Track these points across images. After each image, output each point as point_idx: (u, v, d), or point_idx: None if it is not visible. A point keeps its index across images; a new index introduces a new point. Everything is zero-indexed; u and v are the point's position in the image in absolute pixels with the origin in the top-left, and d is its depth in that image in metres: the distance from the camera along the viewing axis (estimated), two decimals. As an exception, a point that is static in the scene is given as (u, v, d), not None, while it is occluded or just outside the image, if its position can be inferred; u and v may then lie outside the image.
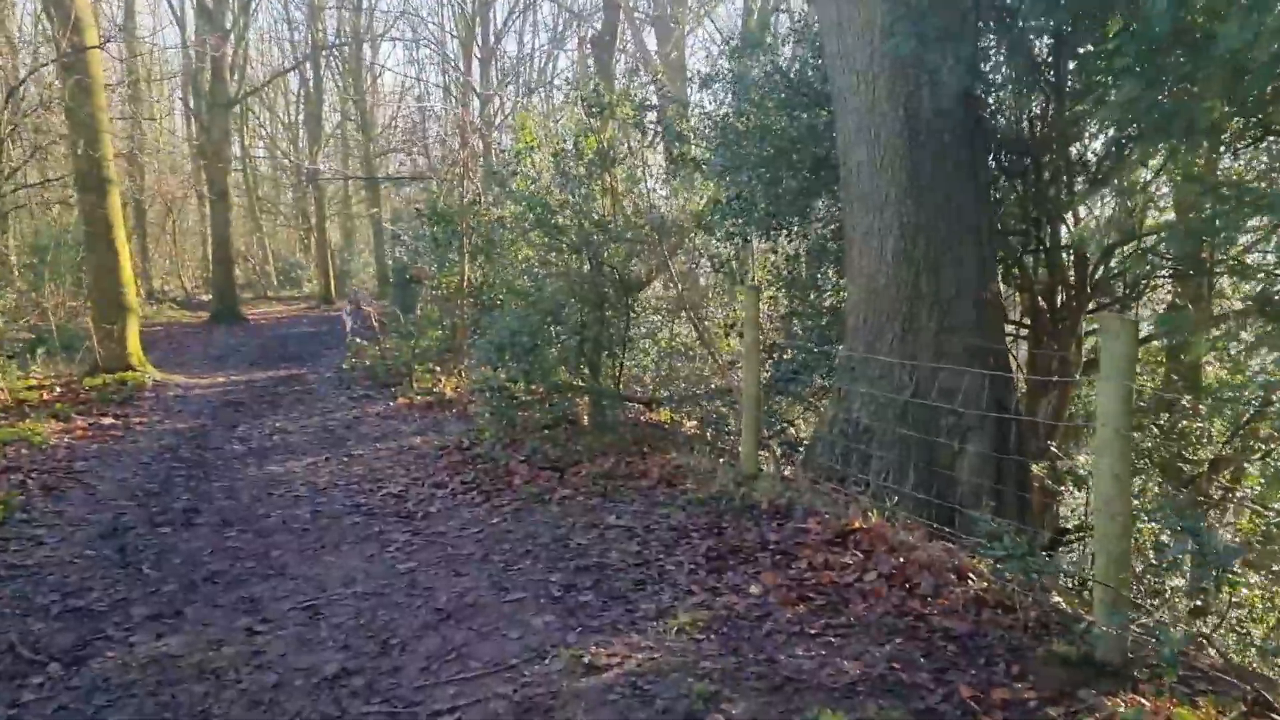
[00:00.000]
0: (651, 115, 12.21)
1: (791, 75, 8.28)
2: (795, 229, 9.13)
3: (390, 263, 26.37)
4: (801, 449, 8.50)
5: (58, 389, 12.95)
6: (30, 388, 13.02)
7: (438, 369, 13.65)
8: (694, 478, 7.42)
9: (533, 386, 9.31)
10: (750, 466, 7.25)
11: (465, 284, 14.19)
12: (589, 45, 18.28)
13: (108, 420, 11.26)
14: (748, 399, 7.28)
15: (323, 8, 32.80)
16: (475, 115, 16.26)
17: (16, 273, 24.01)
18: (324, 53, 33.11)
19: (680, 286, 11.46)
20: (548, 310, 9.34)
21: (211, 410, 12.24)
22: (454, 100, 30.37)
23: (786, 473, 7.72)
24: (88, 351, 14.12)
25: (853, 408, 7.32)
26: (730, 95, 8.54)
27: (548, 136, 13.47)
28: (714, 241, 10.54)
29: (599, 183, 10.15)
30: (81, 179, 13.77)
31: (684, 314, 11.99)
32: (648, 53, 17.84)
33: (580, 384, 10.04)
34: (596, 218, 9.64)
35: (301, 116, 39.48)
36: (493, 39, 22.32)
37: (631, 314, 9.54)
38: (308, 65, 33.90)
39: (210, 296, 27.17)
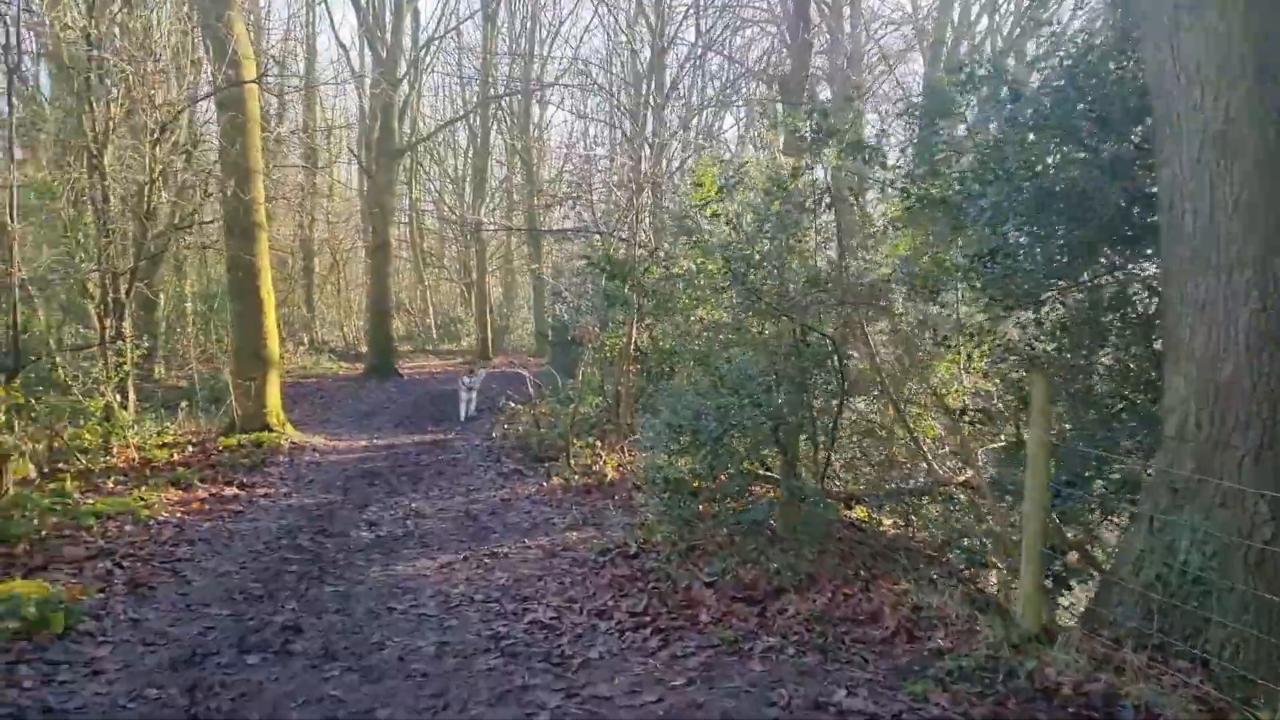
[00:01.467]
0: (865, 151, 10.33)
1: (1072, 95, 6.33)
2: (1056, 295, 7.10)
3: (550, 320, 25.14)
4: (1072, 585, 6.40)
5: (190, 448, 11.88)
6: (164, 445, 11.99)
7: (598, 444, 12.01)
8: (945, 630, 5.44)
9: (716, 480, 7.53)
10: (1031, 621, 5.21)
11: (633, 347, 12.58)
12: (776, 85, 16.68)
13: (230, 491, 10.00)
14: (1031, 523, 5.25)
15: (495, 65, 32.42)
16: (646, 165, 14.74)
17: (190, 320, 23.98)
18: (493, 106, 32.59)
19: (877, 357, 9.51)
20: (737, 386, 7.54)
21: (344, 482, 10.88)
22: (621, 150, 29.30)
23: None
24: (228, 408, 13.09)
25: (1175, 546, 5.23)
26: (995, 118, 6.64)
27: (737, 184, 11.90)
28: (934, 307, 8.59)
29: (808, 233, 8.38)
30: (229, 222, 12.84)
31: (881, 390, 10.03)
32: (849, 89, 16.12)
33: (772, 477, 8.20)
34: (809, 274, 7.83)
35: (468, 172, 39.31)
36: (667, 85, 20.87)
37: (849, 394, 7.65)
38: (475, 118, 33.51)
39: (367, 349, 26.53)
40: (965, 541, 7.34)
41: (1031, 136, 6.72)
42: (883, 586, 6.38)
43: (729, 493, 7.76)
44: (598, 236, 23.84)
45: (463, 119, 33.83)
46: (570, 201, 29.62)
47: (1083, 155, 6.20)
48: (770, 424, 7.43)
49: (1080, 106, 5.95)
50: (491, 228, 32.02)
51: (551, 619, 6.06)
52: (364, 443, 13.84)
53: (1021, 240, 6.44)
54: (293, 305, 30.40)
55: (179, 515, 8.76)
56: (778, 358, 7.94)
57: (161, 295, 21.68)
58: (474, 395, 16.73)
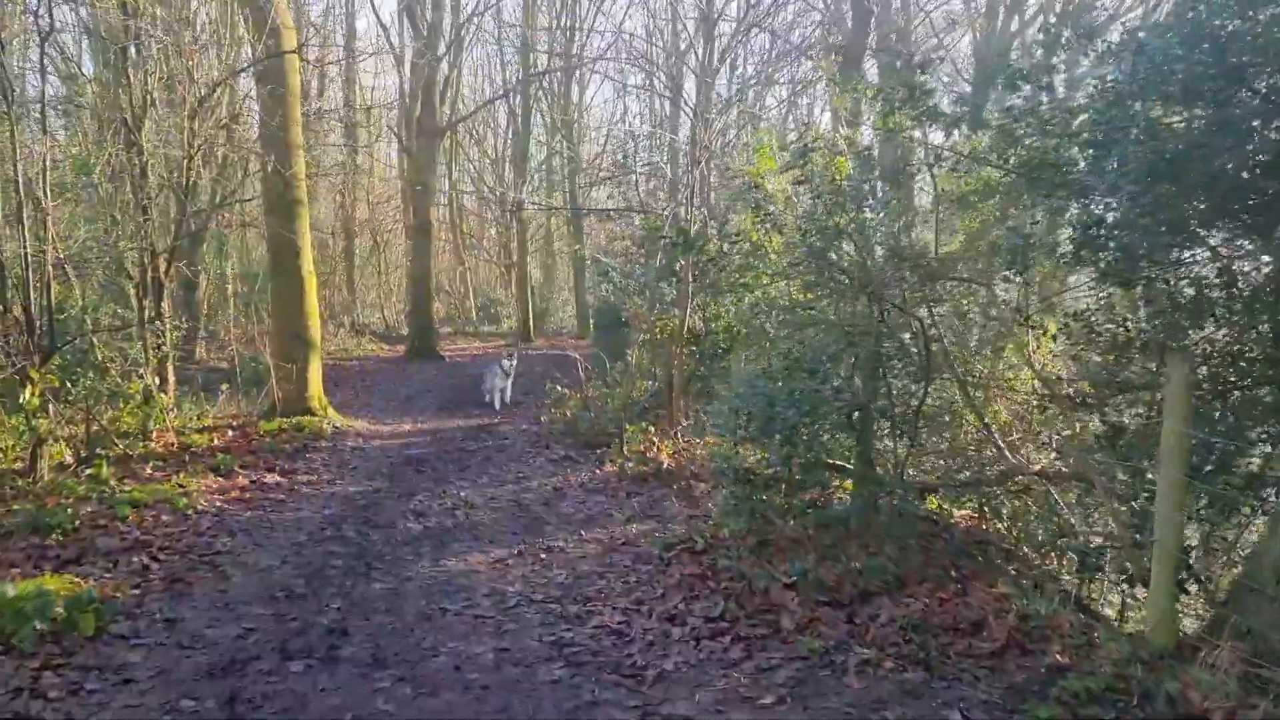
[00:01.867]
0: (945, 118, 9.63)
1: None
2: (1164, 269, 6.46)
3: (593, 302, 24.58)
4: (1189, 590, 5.81)
5: (230, 433, 11.51)
6: (203, 429, 11.63)
7: (651, 429, 11.50)
8: (1060, 643, 4.88)
9: (790, 471, 6.99)
10: (1164, 636, 4.65)
11: (685, 328, 12.04)
12: (837, 55, 15.99)
13: (271, 478, 9.59)
14: (1166, 524, 4.66)
15: (535, 44, 31.88)
16: (703, 135, 14.15)
17: (232, 302, 23.75)
18: (533, 84, 32.06)
19: (944, 339, 8.89)
20: (812, 369, 6.98)
21: (389, 469, 10.45)
22: (668, 125, 28.68)
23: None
24: (269, 391, 12.70)
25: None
26: (1105, 75, 5.98)
27: (814, 151, 11.38)
28: (1015, 283, 7.96)
29: (893, 204, 7.80)
30: (269, 199, 12.42)
31: (950, 373, 9.42)
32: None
33: (843, 467, 7.64)
34: (891, 248, 7.24)
35: (509, 152, 38.86)
36: (716, 58, 20.21)
37: (931, 376, 7.05)
38: (516, 97, 33.03)
39: (409, 331, 26.16)
40: (1072, 542, 6.73)
41: (1143, 99, 6.09)
42: (978, 590, 5.82)
43: (805, 485, 7.24)
44: (642, 215, 23.35)
45: (503, 97, 33.32)
46: (615, 179, 29.19)
47: (1208, 113, 5.57)
48: (846, 410, 6.88)
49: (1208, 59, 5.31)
50: (534, 207, 31.53)
51: (619, 624, 5.57)
52: (408, 427, 13.42)
53: (1133, 209, 5.81)
54: (334, 287, 30.15)
55: (218, 504, 8.36)
56: (855, 338, 7.37)
57: (203, 276, 21.48)
58: (509, 383, 16.02)
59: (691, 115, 13.17)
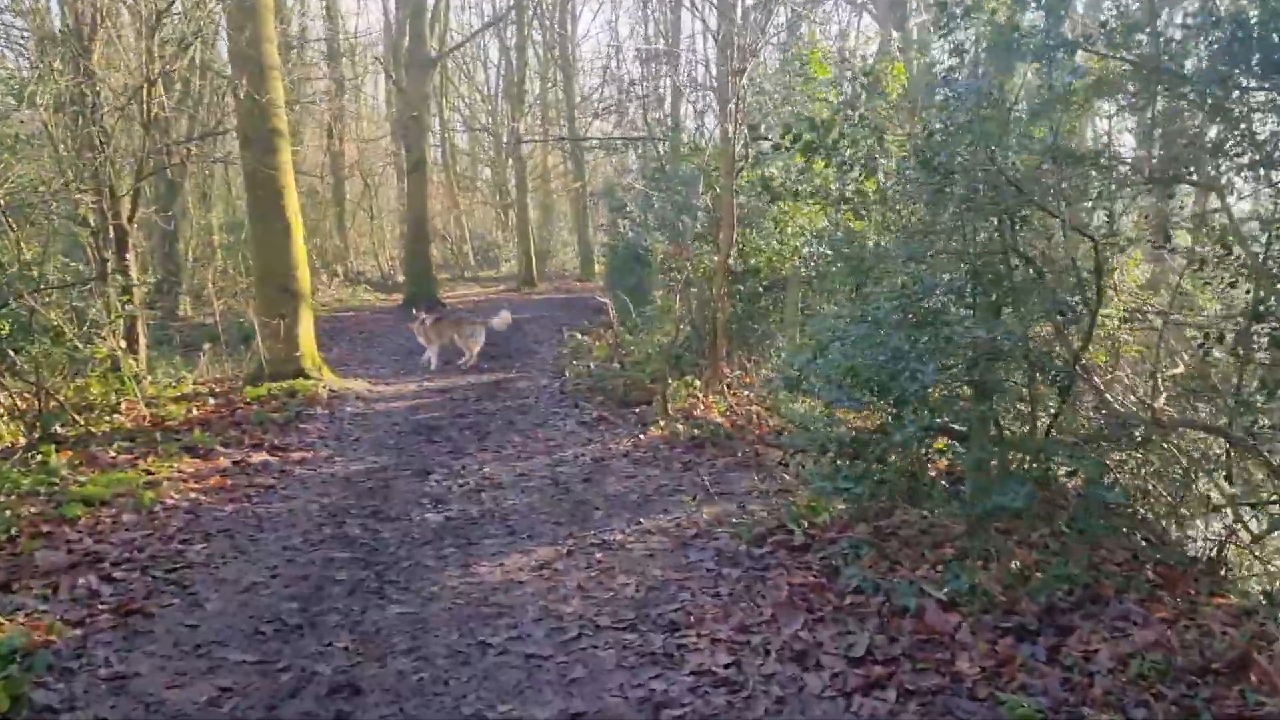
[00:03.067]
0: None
1: None
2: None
3: (604, 241, 22.78)
4: None
5: (211, 401, 10.01)
6: (180, 398, 10.13)
7: (696, 383, 10.00)
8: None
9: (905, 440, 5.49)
10: None
11: (726, 264, 10.48)
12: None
13: (259, 457, 8.10)
14: None
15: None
16: (740, 40, 12.45)
17: (219, 253, 22.13)
18: (527, 11, 30.09)
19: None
20: (934, 312, 5.45)
21: (397, 440, 8.96)
22: (688, 45, 26.78)
23: None
24: (256, 352, 11.16)
25: None
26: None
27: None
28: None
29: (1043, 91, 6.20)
30: (245, 130, 10.79)
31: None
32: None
33: (962, 431, 6.14)
34: (1047, 146, 5.65)
35: (501, 86, 36.93)
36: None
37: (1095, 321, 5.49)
38: (508, 29, 31.11)
39: (405, 278, 24.51)
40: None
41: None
42: (1190, 599, 4.37)
43: (922, 456, 5.76)
44: (649, 144, 21.61)
45: (496, 24, 31.30)
46: (625, 105, 27.32)
47: None
48: (974, 359, 5.35)
49: None
50: (533, 140, 29.68)
51: (727, 667, 4.08)
52: (413, 386, 11.91)
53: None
54: (324, 235, 28.49)
55: (193, 496, 6.87)
56: (980, 270, 5.81)
57: (184, 225, 19.89)
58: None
59: (716, 12, 11.47)
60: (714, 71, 16.33)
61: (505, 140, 30.90)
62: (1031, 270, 5.59)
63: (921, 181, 5.74)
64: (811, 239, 10.70)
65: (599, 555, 5.69)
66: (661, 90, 28.47)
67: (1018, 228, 5.63)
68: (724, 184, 10.52)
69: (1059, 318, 5.30)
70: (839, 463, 5.61)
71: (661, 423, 8.95)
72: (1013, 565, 4.62)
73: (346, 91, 27.45)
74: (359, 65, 29.09)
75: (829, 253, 9.86)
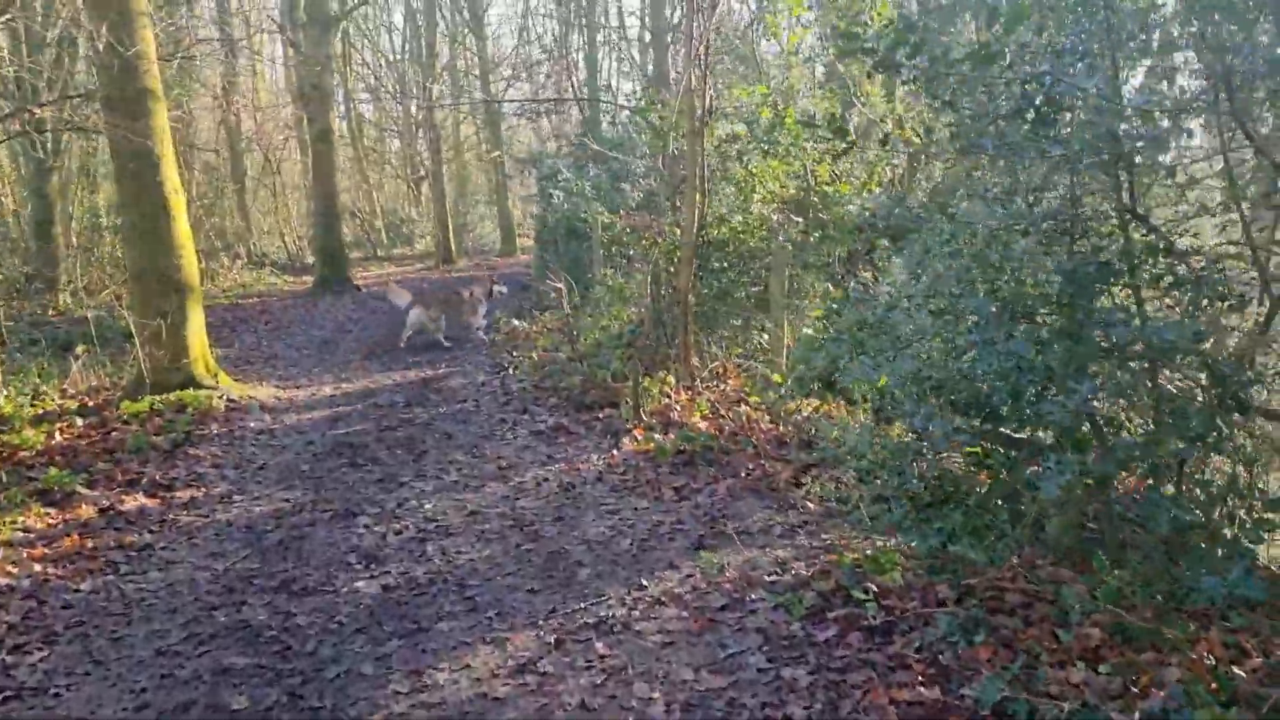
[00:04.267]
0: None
1: None
2: None
3: (533, 213, 20.96)
4: None
5: (80, 421, 8.19)
6: (41, 417, 8.29)
7: (670, 379, 8.47)
8: None
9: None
10: None
11: (697, 239, 8.96)
12: None
13: (134, 501, 6.36)
14: None
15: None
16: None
17: (107, 237, 19.84)
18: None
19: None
20: (1036, 304, 4.01)
21: (312, 466, 7.26)
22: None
23: None
24: (135, 359, 9.30)
25: None
26: None
27: None
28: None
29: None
30: (108, 91, 8.88)
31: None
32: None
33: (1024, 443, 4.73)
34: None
35: (409, 52, 34.71)
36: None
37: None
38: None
39: (315, 259, 22.46)
40: None
41: None
42: None
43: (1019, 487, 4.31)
44: (582, 107, 19.94)
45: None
46: (544, 67, 25.54)
47: None
48: (1133, 375, 3.91)
49: None
50: (448, 105, 27.64)
51: None
52: (329, 389, 10.16)
53: None
54: (224, 214, 26.23)
55: (39, 568, 5.16)
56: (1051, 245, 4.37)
57: (61, 209, 17.69)
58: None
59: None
60: (647, 23, 14.77)
61: (416, 107, 28.82)
62: (1161, 244, 4.17)
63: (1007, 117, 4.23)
64: (860, 194, 9.23)
65: (599, 645, 4.14)
66: (581, 50, 26.82)
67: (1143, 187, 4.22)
68: (689, 142, 8.96)
69: (1219, 304, 3.88)
70: (923, 507, 4.14)
71: (637, 433, 7.41)
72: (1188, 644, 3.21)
73: (240, 55, 25.13)
74: (252, 24, 26.69)
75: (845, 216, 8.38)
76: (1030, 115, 4.06)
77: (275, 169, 29.55)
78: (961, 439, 3.85)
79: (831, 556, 4.79)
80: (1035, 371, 3.52)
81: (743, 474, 6.37)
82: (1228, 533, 3.54)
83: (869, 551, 4.74)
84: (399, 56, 36.12)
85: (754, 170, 9.90)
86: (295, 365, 11.64)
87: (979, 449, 4.16)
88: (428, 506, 6.19)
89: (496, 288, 13.81)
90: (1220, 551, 3.31)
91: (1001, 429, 3.99)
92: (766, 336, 10.02)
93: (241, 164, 27.93)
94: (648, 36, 22.08)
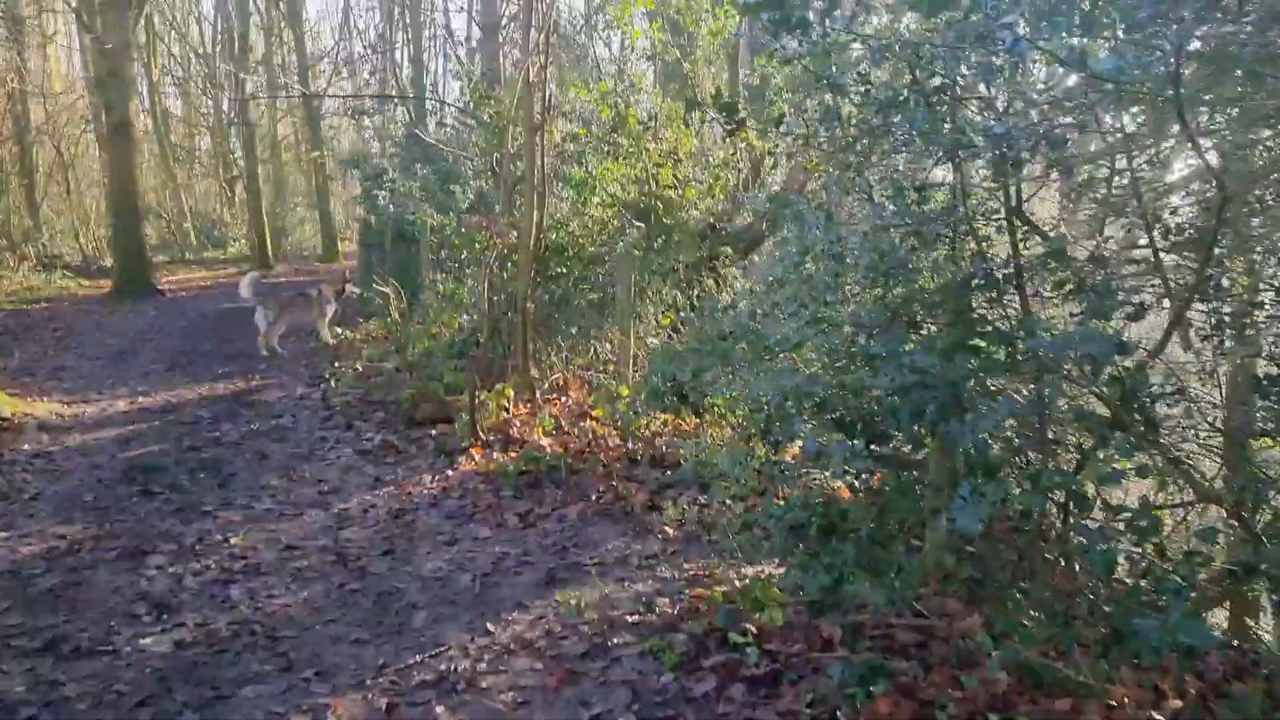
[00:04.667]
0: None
1: None
2: None
3: (360, 216, 19.83)
4: None
5: None
6: None
7: (509, 392, 7.83)
8: None
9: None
10: None
11: (537, 241, 8.39)
12: None
13: None
14: None
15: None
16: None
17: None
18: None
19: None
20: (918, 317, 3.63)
21: (98, 492, 6.29)
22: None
23: None
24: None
25: None
26: None
27: None
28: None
29: None
30: None
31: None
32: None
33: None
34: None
35: (221, 44, 32.76)
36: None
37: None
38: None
39: (113, 261, 20.65)
40: None
41: None
42: None
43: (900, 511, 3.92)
44: (407, 104, 19.05)
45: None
46: (367, 62, 24.43)
47: None
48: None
49: None
50: (264, 97, 26.06)
51: None
52: (124, 405, 9.06)
53: None
54: (9, 211, 24.02)
55: None
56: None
57: None
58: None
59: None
60: (477, 19, 14.13)
61: (228, 101, 27.17)
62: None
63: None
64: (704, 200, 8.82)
65: (440, 709, 3.52)
66: (406, 47, 25.77)
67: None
68: (527, 140, 8.38)
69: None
70: (807, 538, 3.69)
71: (474, 451, 6.77)
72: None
73: (27, 36, 23.06)
74: (42, 3, 24.49)
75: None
76: (919, 103, 3.69)
77: (69, 163, 27.30)
78: (861, 465, 3.43)
79: (700, 591, 4.31)
80: (939, 389, 3.12)
81: (593, 497, 5.84)
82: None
83: (740, 583, 4.30)
84: (209, 49, 34.11)
85: (595, 172, 9.40)
86: (86, 378, 10.42)
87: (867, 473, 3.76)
88: (234, 540, 5.38)
89: (350, 286, 12.86)
90: (1146, 585, 2.98)
91: (893, 451, 3.60)
92: (609, 346, 9.55)
93: (31, 157, 25.68)
94: (476, 34, 21.41)
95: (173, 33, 34.16)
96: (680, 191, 9.51)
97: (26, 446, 7.35)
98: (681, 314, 8.59)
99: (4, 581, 4.85)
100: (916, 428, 3.26)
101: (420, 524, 5.59)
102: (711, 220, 10.15)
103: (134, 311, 16.29)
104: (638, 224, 9.64)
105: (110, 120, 19.11)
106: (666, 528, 5.32)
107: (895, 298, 3.67)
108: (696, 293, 9.41)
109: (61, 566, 5.04)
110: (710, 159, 10.35)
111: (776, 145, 9.35)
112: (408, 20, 26.87)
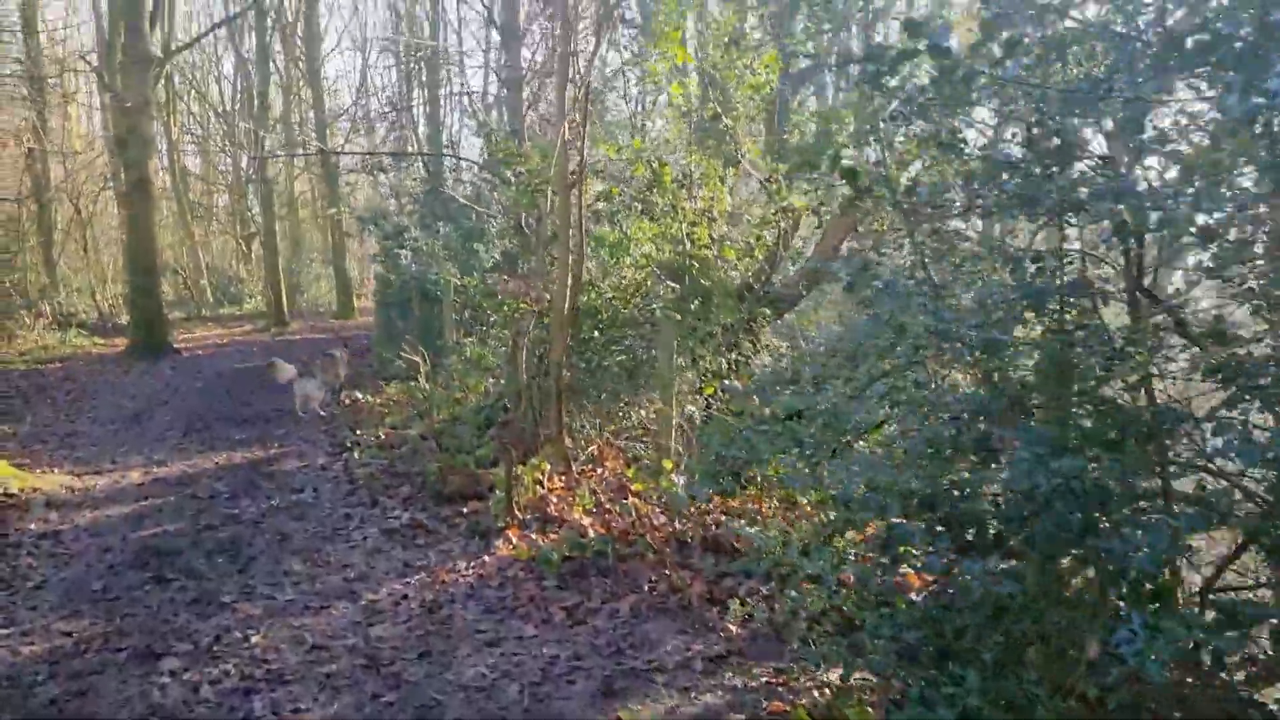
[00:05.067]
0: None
1: None
2: None
3: (379, 274, 19.48)
4: None
5: None
6: None
7: (545, 465, 7.37)
8: None
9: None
10: None
11: (573, 304, 7.99)
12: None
13: None
14: None
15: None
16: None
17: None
18: (268, 13, 26.45)
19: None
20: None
21: (108, 580, 5.83)
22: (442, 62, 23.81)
23: None
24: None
25: None
26: None
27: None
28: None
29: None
30: None
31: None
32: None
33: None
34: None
35: (240, 102, 32.81)
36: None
37: None
38: (247, 35, 27.44)
39: (130, 319, 20.36)
40: None
41: None
42: None
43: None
44: (426, 161, 18.83)
45: (231, 22, 27.39)
46: (385, 119, 24.31)
47: None
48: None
49: None
50: (281, 155, 25.93)
51: None
52: (138, 475, 8.65)
53: None
54: (27, 268, 23.81)
55: None
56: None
57: None
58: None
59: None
60: (502, 75, 13.90)
61: (247, 159, 27.06)
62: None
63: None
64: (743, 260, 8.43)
65: None
66: (422, 105, 25.63)
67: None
68: (561, 199, 8.02)
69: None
70: (922, 660, 3.21)
71: (511, 533, 6.31)
72: None
73: (47, 95, 23.01)
74: (63, 64, 24.48)
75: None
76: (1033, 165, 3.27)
77: (87, 221, 27.20)
78: (1008, 588, 2.95)
79: (779, 706, 3.83)
80: (1087, 495, 2.67)
81: (646, 587, 5.37)
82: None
83: (822, 694, 3.82)
84: (229, 107, 34.18)
85: (629, 232, 9.03)
86: (98, 444, 10.01)
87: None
88: (255, 639, 4.92)
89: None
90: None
91: (1021, 561, 3.13)
92: (644, 413, 9.12)
93: (49, 215, 25.56)
94: (494, 89, 21.32)
95: (192, 91, 34.24)
96: (717, 251, 9.14)
97: (33, 526, 6.92)
98: (724, 381, 8.15)
99: (2, 690, 4.39)
100: (1060, 540, 2.80)
101: (457, 619, 5.11)
102: (749, 280, 9.77)
103: (149, 371, 15.95)
104: (672, 285, 9.26)
105: (129, 178, 18.94)
106: (730, 625, 4.84)
107: (1014, 381, 3.22)
108: (735, 356, 9.01)
109: (66, 671, 4.58)
110: (747, 218, 10.00)
111: (823, 204, 8.99)
112: (424, 78, 26.84)
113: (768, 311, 9.54)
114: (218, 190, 36.81)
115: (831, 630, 4.39)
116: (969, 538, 3.18)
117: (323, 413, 11.29)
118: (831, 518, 4.26)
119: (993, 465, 3.31)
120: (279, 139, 29.66)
